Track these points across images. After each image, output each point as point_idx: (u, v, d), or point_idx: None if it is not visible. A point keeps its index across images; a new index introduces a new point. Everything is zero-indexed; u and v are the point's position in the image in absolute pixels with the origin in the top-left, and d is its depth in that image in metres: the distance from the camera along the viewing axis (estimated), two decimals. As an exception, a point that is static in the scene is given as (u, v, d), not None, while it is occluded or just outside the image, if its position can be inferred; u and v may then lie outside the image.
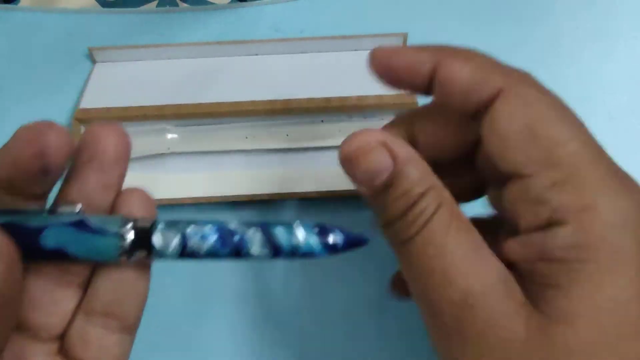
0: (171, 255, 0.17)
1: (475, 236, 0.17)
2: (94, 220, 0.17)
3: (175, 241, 0.17)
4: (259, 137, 0.31)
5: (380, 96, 0.29)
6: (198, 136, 0.31)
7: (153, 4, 0.34)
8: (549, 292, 0.16)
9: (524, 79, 0.18)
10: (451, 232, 0.17)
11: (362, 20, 0.33)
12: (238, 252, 0.17)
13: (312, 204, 0.31)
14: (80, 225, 0.17)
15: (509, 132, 0.17)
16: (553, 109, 0.17)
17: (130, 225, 0.17)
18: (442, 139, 0.20)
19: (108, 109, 0.29)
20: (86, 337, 0.18)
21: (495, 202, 0.20)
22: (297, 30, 0.33)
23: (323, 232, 0.18)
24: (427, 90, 0.19)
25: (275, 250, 0.17)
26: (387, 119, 0.31)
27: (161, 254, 0.17)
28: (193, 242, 0.17)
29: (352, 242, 0.19)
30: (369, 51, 0.32)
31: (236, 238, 0.17)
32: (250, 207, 0.31)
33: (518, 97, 0.17)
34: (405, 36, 0.32)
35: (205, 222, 0.17)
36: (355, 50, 0.32)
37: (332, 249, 0.18)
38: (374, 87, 0.30)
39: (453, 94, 0.18)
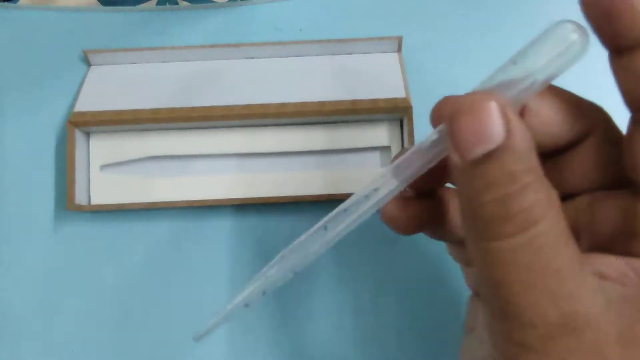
0: None
1: (577, 249, 0.15)
2: None
3: None
4: (252, 140, 0.31)
5: (374, 100, 0.29)
6: (193, 139, 0.31)
7: (152, 2, 0.34)
8: None
9: None
10: (561, 242, 0.15)
11: (361, 18, 0.33)
12: None
13: (306, 207, 0.31)
14: None
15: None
16: None
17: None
18: (550, 127, 0.18)
19: (102, 113, 0.29)
20: None
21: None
22: (296, 28, 0.33)
23: None
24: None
25: None
26: (381, 123, 0.31)
27: None
28: None
29: None
30: (362, 55, 0.32)
31: None
32: (246, 211, 0.31)
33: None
34: (399, 40, 0.32)
35: None
36: (350, 54, 0.32)
37: None
38: (367, 91, 0.30)
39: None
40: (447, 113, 0.15)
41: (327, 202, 0.31)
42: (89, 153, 0.31)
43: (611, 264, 0.16)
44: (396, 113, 0.30)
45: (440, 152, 0.17)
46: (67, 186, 0.29)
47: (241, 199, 0.30)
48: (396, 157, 0.19)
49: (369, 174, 0.31)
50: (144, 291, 0.31)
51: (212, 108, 0.29)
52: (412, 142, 0.29)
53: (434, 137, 0.17)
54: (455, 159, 0.15)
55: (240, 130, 0.31)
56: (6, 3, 0.34)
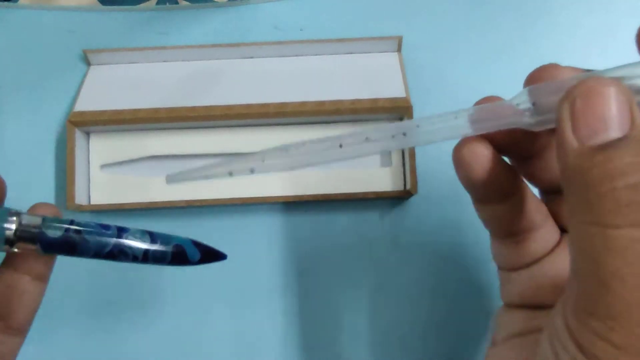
0: (56, 247, 0.19)
1: None
2: None
3: (58, 233, 0.19)
4: (252, 140, 0.31)
5: (374, 100, 0.29)
6: (193, 139, 0.31)
7: (152, 2, 0.34)
8: None
9: None
10: None
11: (361, 18, 0.33)
12: (108, 252, 0.19)
13: (306, 206, 0.31)
14: None
15: None
16: None
17: (14, 216, 0.19)
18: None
19: (102, 112, 0.29)
20: None
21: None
22: (296, 28, 0.33)
23: (179, 247, 0.20)
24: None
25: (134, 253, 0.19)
26: (381, 123, 0.31)
27: (46, 247, 0.19)
28: (75, 237, 0.19)
29: (210, 256, 0.20)
30: (362, 55, 0.32)
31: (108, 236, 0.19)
32: (246, 210, 0.31)
33: None
34: (399, 39, 0.32)
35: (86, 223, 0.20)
36: (350, 53, 0.32)
37: (186, 260, 0.20)
38: (367, 91, 0.30)
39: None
40: (567, 92, 0.15)
41: (327, 202, 0.31)
42: (89, 153, 0.31)
43: None
44: (396, 113, 0.30)
45: (536, 124, 0.17)
46: (67, 186, 0.29)
47: (241, 199, 0.30)
48: (480, 102, 0.18)
49: (369, 173, 0.31)
50: (143, 291, 0.31)
51: (212, 108, 0.29)
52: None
53: (527, 105, 0.17)
54: (571, 141, 0.15)
55: (240, 130, 0.31)
56: (6, 3, 0.34)
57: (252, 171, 0.18)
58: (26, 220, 0.19)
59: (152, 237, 0.20)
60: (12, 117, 0.32)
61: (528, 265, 0.20)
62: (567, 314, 0.15)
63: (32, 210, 0.20)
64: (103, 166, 0.31)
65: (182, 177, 0.19)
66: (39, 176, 0.32)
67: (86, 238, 0.19)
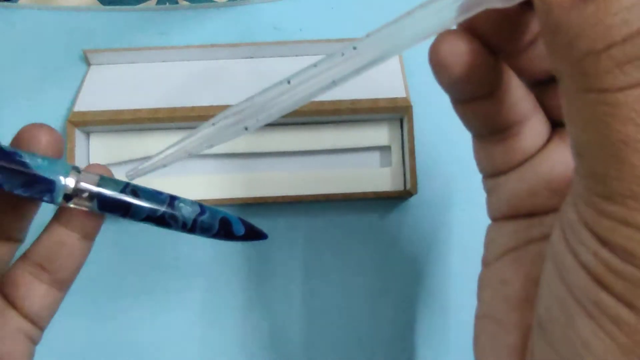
0: (112, 205, 0.19)
1: None
2: (39, 160, 0.19)
3: (116, 192, 0.19)
4: (252, 140, 0.31)
5: (374, 100, 0.29)
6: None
7: (152, 2, 0.34)
8: None
9: None
10: None
11: (361, 18, 0.33)
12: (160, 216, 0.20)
13: (306, 206, 0.31)
14: (13, 158, 0.18)
15: None
16: None
17: (75, 172, 0.19)
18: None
19: (102, 112, 0.29)
20: (15, 280, 0.20)
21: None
22: (296, 28, 0.33)
23: (226, 221, 0.20)
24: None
25: (184, 221, 0.20)
26: (381, 123, 0.31)
27: (103, 204, 0.19)
28: (131, 197, 0.19)
29: (253, 234, 0.21)
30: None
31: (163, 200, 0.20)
32: (246, 210, 0.31)
33: None
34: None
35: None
36: (350, 53, 0.32)
37: (231, 234, 0.20)
38: (367, 91, 0.30)
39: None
40: None
41: (327, 202, 0.31)
42: (88, 152, 0.31)
43: None
44: (396, 113, 0.30)
45: None
46: (67, 186, 0.29)
47: (241, 199, 0.30)
48: None
49: (369, 173, 0.31)
50: (143, 291, 0.31)
51: (212, 108, 0.29)
52: (412, 142, 0.29)
53: None
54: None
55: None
56: (6, 3, 0.34)
57: (210, 145, 0.18)
58: (85, 177, 0.19)
59: (202, 207, 0.20)
60: (12, 117, 0.32)
61: (518, 164, 0.18)
62: (580, 205, 0.13)
63: (87, 169, 0.20)
64: (103, 166, 0.31)
65: (142, 170, 0.19)
66: (39, 176, 0.32)
67: (141, 199, 0.19)
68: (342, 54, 0.16)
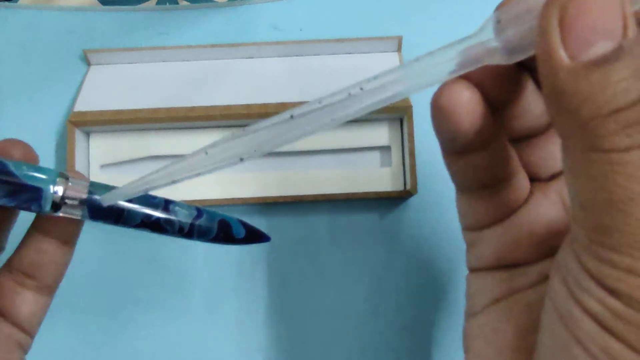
0: (103, 213, 0.19)
1: None
2: (24, 167, 0.18)
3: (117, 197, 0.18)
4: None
5: (374, 100, 0.29)
6: (193, 139, 0.31)
7: (152, 2, 0.34)
8: None
9: None
10: None
11: (361, 18, 0.33)
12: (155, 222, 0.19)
13: (306, 206, 0.31)
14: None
15: None
16: None
17: (63, 179, 0.18)
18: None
19: (102, 112, 0.29)
20: (1, 288, 0.20)
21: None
22: (296, 28, 0.33)
23: (225, 223, 0.19)
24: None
25: (181, 226, 0.19)
26: (381, 123, 0.31)
27: (94, 212, 0.18)
28: (123, 203, 0.19)
29: (254, 236, 0.20)
30: (362, 55, 0.32)
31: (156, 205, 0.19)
32: (246, 210, 0.31)
33: None
34: (399, 39, 0.32)
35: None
36: (350, 53, 0.32)
37: (231, 237, 0.19)
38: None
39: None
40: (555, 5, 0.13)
41: (327, 202, 0.31)
42: (88, 152, 0.31)
43: None
44: (396, 113, 0.30)
45: (504, 51, 0.15)
46: (67, 186, 0.29)
47: (241, 199, 0.30)
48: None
49: (369, 173, 0.31)
50: (143, 290, 0.31)
51: (212, 108, 0.29)
52: (412, 142, 0.29)
53: (491, 34, 0.15)
54: (561, 57, 0.13)
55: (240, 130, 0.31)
56: (6, 3, 0.34)
57: (197, 174, 0.16)
58: (74, 183, 0.18)
59: (199, 211, 0.19)
60: (12, 117, 0.32)
61: (503, 218, 0.18)
62: (582, 255, 0.13)
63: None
64: (103, 166, 0.31)
65: (119, 193, 0.16)
66: (39, 176, 0.32)
67: (134, 204, 0.18)
68: (349, 94, 0.17)
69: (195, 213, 0.19)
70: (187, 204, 0.20)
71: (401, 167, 0.31)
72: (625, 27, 0.12)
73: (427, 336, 0.30)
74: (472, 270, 0.20)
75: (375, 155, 0.31)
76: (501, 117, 0.18)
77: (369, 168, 0.31)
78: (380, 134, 0.31)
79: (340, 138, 0.31)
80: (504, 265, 0.19)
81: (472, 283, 0.20)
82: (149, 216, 0.19)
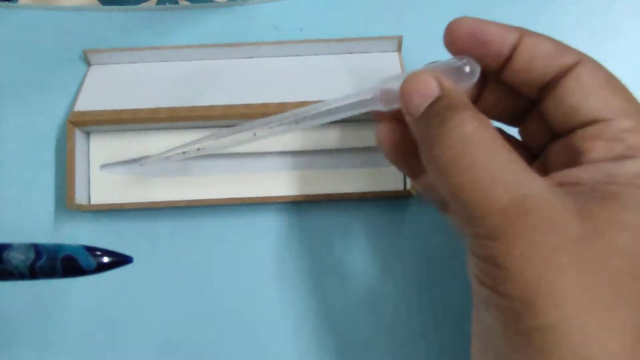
0: None
1: (517, 155, 0.18)
2: None
3: None
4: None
5: (374, 100, 0.29)
6: (193, 139, 0.31)
7: (153, 2, 0.34)
8: (606, 202, 0.17)
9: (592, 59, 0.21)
10: (495, 145, 0.18)
11: (361, 18, 0.33)
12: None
13: (306, 206, 0.31)
14: None
15: (592, 85, 0.20)
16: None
17: None
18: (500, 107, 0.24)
19: (102, 112, 0.29)
20: None
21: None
22: (296, 28, 0.33)
23: (70, 258, 0.18)
24: (498, 58, 0.22)
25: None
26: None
27: None
28: None
29: (110, 264, 0.19)
30: (362, 54, 0.32)
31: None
32: (246, 210, 0.31)
33: (595, 64, 0.20)
34: (399, 39, 0.32)
35: None
36: (350, 53, 0.32)
37: (81, 271, 0.19)
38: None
39: (537, 60, 0.21)
40: (401, 91, 0.21)
41: (327, 202, 0.31)
42: (89, 152, 0.31)
43: (568, 173, 0.19)
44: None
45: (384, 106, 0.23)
46: (67, 186, 0.29)
47: (241, 199, 0.30)
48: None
49: (369, 173, 0.31)
50: (143, 290, 0.31)
51: (212, 108, 0.29)
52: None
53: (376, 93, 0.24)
54: (409, 118, 0.21)
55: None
56: (6, 3, 0.34)
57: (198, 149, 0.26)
58: None
59: (38, 250, 0.18)
60: (12, 117, 0.32)
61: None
62: (471, 247, 0.19)
63: None
64: (103, 166, 0.31)
65: (157, 158, 0.24)
66: (38, 176, 0.32)
67: None
68: (254, 134, 0.26)
69: (33, 256, 0.18)
70: (26, 245, 0.18)
71: (401, 167, 0.31)
72: (442, 87, 0.20)
73: (427, 336, 0.30)
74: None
75: (376, 155, 0.31)
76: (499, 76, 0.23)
77: (369, 168, 0.31)
78: (380, 134, 0.31)
79: (340, 138, 0.31)
80: None
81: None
82: None
